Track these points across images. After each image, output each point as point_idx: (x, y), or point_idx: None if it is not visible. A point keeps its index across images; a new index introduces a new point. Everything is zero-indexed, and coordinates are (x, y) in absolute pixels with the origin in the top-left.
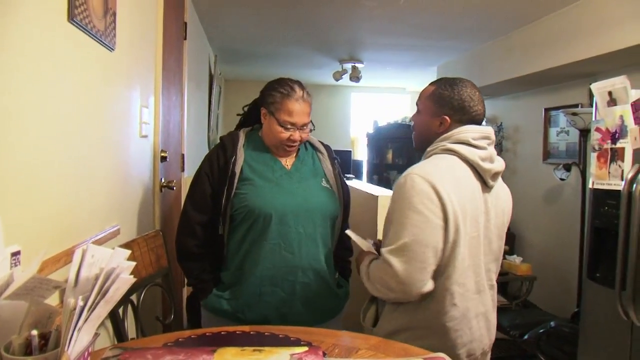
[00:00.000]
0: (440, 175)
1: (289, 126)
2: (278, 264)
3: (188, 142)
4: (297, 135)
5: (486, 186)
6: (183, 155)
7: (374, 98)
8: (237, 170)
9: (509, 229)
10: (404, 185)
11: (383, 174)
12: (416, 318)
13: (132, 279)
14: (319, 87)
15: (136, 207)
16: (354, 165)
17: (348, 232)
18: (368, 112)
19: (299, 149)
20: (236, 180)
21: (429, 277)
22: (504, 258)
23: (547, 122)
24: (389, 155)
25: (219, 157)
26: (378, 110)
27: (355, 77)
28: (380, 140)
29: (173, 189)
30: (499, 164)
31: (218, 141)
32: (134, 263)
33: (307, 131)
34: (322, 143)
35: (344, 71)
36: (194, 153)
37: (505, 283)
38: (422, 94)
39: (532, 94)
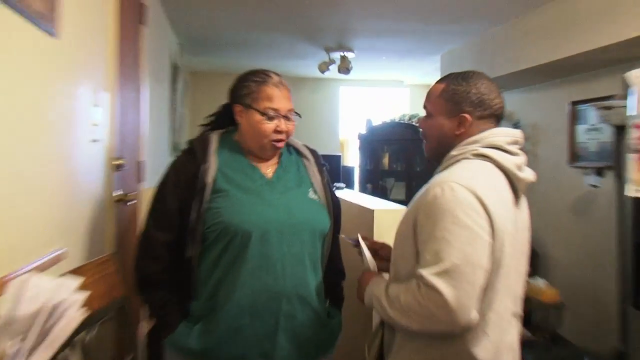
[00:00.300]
0: (481, 183)
1: (271, 113)
2: (259, 291)
3: (148, 148)
4: (283, 124)
5: (516, 197)
6: (142, 162)
7: (367, 93)
8: (209, 180)
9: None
10: (441, 196)
11: (378, 182)
12: (444, 352)
13: (82, 315)
14: (302, 80)
15: (85, 225)
16: (344, 172)
17: (343, 237)
18: (360, 110)
19: (281, 154)
20: (208, 192)
21: (478, 304)
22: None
23: (574, 119)
24: (385, 160)
25: (187, 164)
26: (371, 107)
27: (345, 68)
28: (375, 143)
29: (130, 203)
30: (531, 173)
31: (184, 146)
32: (86, 294)
33: (293, 122)
34: (307, 147)
35: (331, 62)
36: (155, 160)
37: (528, 312)
38: (431, 94)
39: (554, 85)
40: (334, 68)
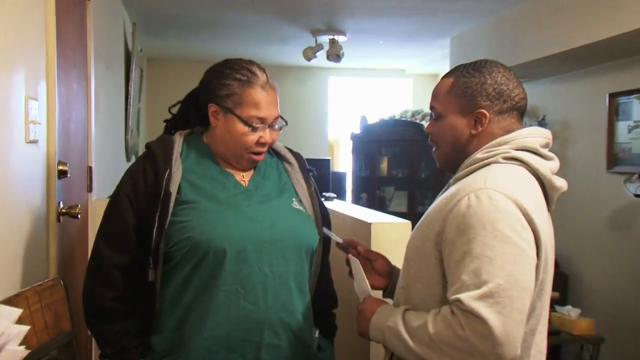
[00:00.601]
0: (522, 191)
1: (256, 124)
2: (235, 320)
3: (97, 151)
4: (267, 135)
5: (548, 208)
6: (90, 168)
7: (361, 84)
8: (173, 189)
9: (557, 266)
10: (477, 206)
11: (375, 191)
12: None
13: (22, 352)
14: (283, 69)
15: (21, 244)
16: (334, 179)
17: (326, 230)
18: (353, 105)
19: None
20: (172, 204)
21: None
22: (553, 309)
23: (614, 114)
24: (384, 165)
25: (146, 172)
26: (367, 102)
27: (335, 55)
28: (371, 144)
29: (77, 217)
30: (564, 182)
31: (142, 148)
32: (27, 327)
33: (278, 130)
34: (290, 150)
35: (319, 47)
36: (107, 166)
37: (557, 346)
38: (439, 92)
39: (589, 74)
40: (321, 54)
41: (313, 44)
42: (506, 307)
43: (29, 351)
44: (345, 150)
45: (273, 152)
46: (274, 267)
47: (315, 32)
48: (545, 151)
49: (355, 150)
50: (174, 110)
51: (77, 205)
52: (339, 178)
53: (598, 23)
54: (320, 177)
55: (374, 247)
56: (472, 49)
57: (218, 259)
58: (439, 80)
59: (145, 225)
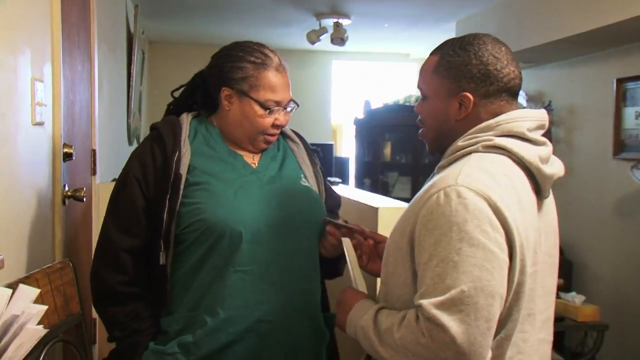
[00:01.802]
0: (498, 187)
1: (273, 107)
2: (252, 300)
3: (101, 133)
4: (282, 117)
5: (540, 198)
6: (94, 151)
7: (365, 69)
8: (183, 171)
9: (562, 253)
10: (447, 204)
11: (378, 176)
12: None
13: (41, 331)
14: (286, 53)
15: (27, 227)
16: (337, 164)
17: (328, 219)
18: (356, 89)
19: None
20: (182, 186)
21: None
22: (558, 297)
23: (621, 100)
24: (387, 151)
25: (155, 154)
26: (371, 87)
27: (339, 38)
28: (374, 129)
29: (82, 200)
30: (559, 167)
31: (144, 131)
32: (45, 307)
33: (289, 114)
34: (294, 131)
35: (323, 30)
36: (109, 149)
37: (561, 333)
38: (424, 71)
39: (596, 59)
40: (325, 38)
41: (317, 27)
42: (470, 315)
43: (47, 330)
44: (348, 135)
45: (280, 133)
46: (288, 246)
47: (319, 15)
48: (534, 135)
49: (359, 136)
50: (177, 94)
51: (83, 189)
52: (342, 163)
53: (606, 7)
54: (323, 162)
55: (381, 231)
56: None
57: (234, 241)
58: None
59: (155, 208)
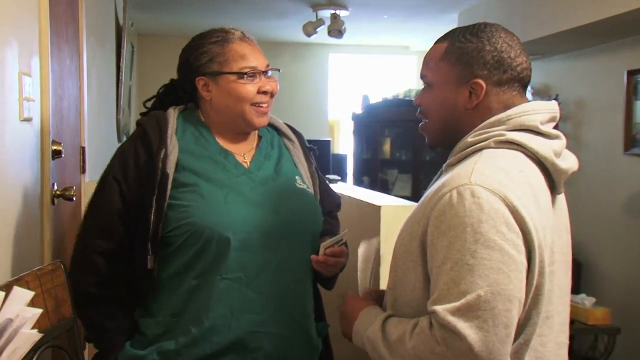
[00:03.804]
0: (514, 184)
1: (250, 72)
2: (238, 309)
3: (90, 130)
4: (266, 84)
5: (553, 194)
6: (83, 149)
7: (363, 62)
8: (170, 170)
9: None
10: (459, 204)
11: (377, 174)
12: None
13: (36, 335)
14: (282, 46)
15: (15, 227)
16: (334, 161)
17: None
18: (354, 83)
19: (259, 137)
20: (169, 186)
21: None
22: None
23: (632, 93)
24: (386, 147)
25: (138, 153)
26: (369, 81)
27: (336, 30)
28: (373, 125)
29: (72, 200)
30: (573, 160)
31: (133, 128)
32: (40, 310)
33: (276, 80)
34: (290, 127)
35: (320, 22)
36: (99, 146)
37: (571, 336)
38: (430, 58)
39: (605, 50)
40: (322, 30)
41: (313, 19)
42: (488, 321)
43: (42, 335)
44: (346, 131)
45: (273, 129)
46: (279, 254)
47: (316, 6)
48: (547, 128)
49: (357, 131)
50: (149, 104)
51: (72, 187)
52: (340, 160)
53: None
54: (320, 159)
55: (384, 231)
56: None
57: (221, 247)
58: None
59: (139, 210)
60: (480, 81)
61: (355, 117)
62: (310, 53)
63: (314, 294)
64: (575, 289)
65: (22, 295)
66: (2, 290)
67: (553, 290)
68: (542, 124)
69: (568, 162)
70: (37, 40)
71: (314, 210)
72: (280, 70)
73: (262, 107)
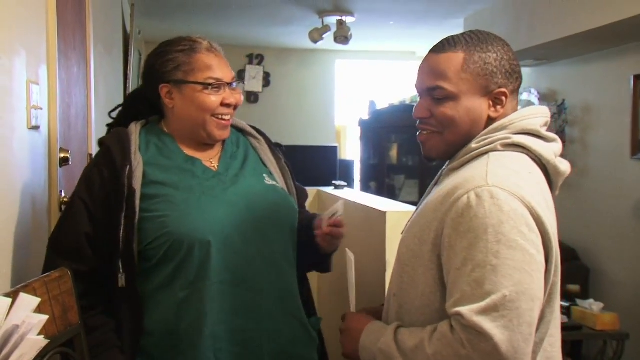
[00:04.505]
0: (527, 186)
1: (215, 83)
2: (233, 311)
3: (97, 137)
4: (230, 96)
5: (553, 195)
6: (91, 156)
7: (370, 68)
8: (137, 185)
9: (578, 258)
10: (480, 205)
11: (384, 179)
12: None
13: (42, 341)
14: (288, 52)
15: (23, 234)
16: (341, 167)
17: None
18: (361, 89)
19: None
20: (137, 201)
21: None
22: (574, 303)
23: (638, 97)
24: (393, 153)
25: (103, 171)
26: (376, 86)
27: (343, 37)
28: (380, 131)
29: None
30: (567, 164)
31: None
32: (46, 317)
33: (240, 92)
34: (253, 127)
35: (326, 28)
36: None
37: (579, 342)
38: (448, 69)
39: (612, 55)
40: (329, 37)
41: (319, 25)
42: (513, 320)
43: (48, 341)
44: (353, 137)
45: (237, 130)
46: (261, 250)
47: (322, 13)
48: (546, 132)
49: (364, 137)
50: (114, 114)
51: None
52: (347, 166)
53: (622, 1)
54: (327, 165)
55: (389, 237)
56: (487, 29)
57: (204, 251)
58: None
59: (108, 229)
60: (505, 90)
61: (362, 123)
62: (316, 59)
63: (304, 289)
64: (584, 294)
65: (28, 301)
66: (9, 297)
67: (555, 296)
68: (541, 127)
69: (565, 164)
70: (45, 48)
71: (287, 204)
72: (243, 82)
73: (223, 119)
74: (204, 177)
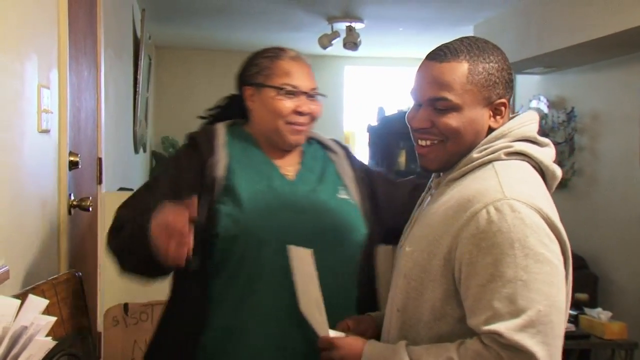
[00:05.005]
0: (540, 196)
1: (290, 89)
2: (282, 314)
3: (107, 141)
4: (305, 105)
5: None
6: (100, 160)
7: (379, 74)
8: (219, 174)
9: (586, 267)
10: (502, 220)
11: None
12: None
13: (50, 343)
14: None
15: (32, 237)
16: None
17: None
18: (370, 95)
19: (302, 153)
20: (216, 192)
21: None
22: (583, 312)
23: None
24: (402, 159)
25: (191, 160)
26: (384, 93)
27: (352, 43)
28: (388, 137)
29: (88, 210)
30: (559, 169)
31: (150, 139)
32: (54, 318)
33: (319, 104)
34: (336, 141)
35: (335, 34)
36: (116, 157)
37: (587, 351)
38: (453, 80)
39: (621, 63)
40: (338, 43)
41: (329, 32)
42: (549, 335)
43: (55, 342)
44: (361, 143)
45: (317, 143)
46: (320, 261)
47: (332, 19)
48: (541, 138)
49: (372, 143)
50: (212, 112)
51: (89, 198)
52: None
53: (632, 8)
54: None
55: None
56: (497, 37)
57: (263, 252)
58: None
59: None
60: (505, 100)
61: (371, 129)
62: (325, 65)
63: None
64: (592, 303)
65: (36, 303)
66: (18, 299)
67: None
68: (536, 132)
69: (559, 170)
70: (56, 53)
71: (355, 220)
72: (326, 96)
73: (297, 127)
74: (279, 183)
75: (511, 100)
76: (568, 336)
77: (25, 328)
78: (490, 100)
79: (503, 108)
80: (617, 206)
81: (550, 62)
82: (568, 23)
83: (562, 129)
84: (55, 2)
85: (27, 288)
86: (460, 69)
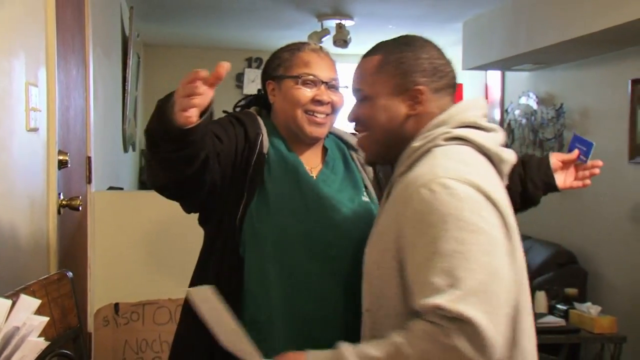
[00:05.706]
0: (477, 173)
1: (309, 78)
2: (300, 315)
3: (96, 140)
4: (324, 93)
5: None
6: (89, 159)
7: None
8: (265, 150)
9: (576, 262)
10: (434, 199)
11: None
12: None
13: (43, 343)
14: None
15: (21, 237)
16: None
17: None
18: None
19: (325, 150)
20: (263, 167)
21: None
22: (572, 307)
23: (636, 102)
24: None
25: (236, 128)
26: None
27: (342, 40)
28: None
29: (78, 210)
30: (512, 154)
31: (137, 138)
32: (46, 318)
33: (340, 94)
34: (355, 135)
35: (325, 32)
36: (105, 156)
37: (576, 345)
38: (364, 72)
39: (610, 59)
40: (328, 40)
41: (319, 29)
42: (492, 304)
43: (48, 343)
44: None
45: (339, 140)
46: (336, 266)
47: (321, 17)
48: (486, 123)
49: None
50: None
51: (78, 197)
52: None
53: (619, 4)
54: None
55: None
56: (486, 34)
57: (281, 252)
58: None
59: (233, 175)
60: (422, 87)
61: None
62: None
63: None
64: (581, 298)
65: (28, 303)
66: (10, 299)
67: (522, 284)
68: (481, 118)
69: (508, 154)
70: (44, 51)
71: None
72: (348, 87)
73: (315, 117)
74: (304, 179)
75: (452, 89)
76: (558, 330)
77: (17, 329)
78: (403, 87)
79: (420, 95)
80: (606, 202)
81: (539, 59)
82: (557, 20)
83: (551, 125)
84: (43, 1)
85: (18, 288)
86: (372, 61)
